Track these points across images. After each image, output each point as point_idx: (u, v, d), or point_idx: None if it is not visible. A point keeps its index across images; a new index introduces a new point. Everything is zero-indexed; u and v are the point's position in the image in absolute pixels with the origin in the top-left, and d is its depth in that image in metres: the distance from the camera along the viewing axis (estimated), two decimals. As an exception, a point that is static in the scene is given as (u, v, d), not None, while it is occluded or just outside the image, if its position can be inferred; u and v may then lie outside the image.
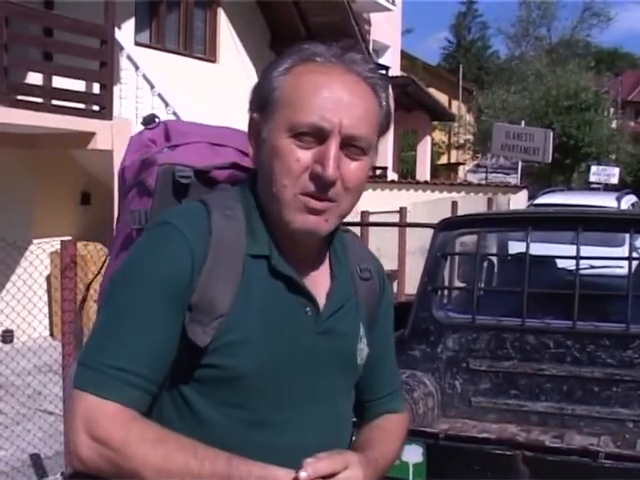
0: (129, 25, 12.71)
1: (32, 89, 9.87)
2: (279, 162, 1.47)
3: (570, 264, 5.02)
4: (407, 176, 26.71)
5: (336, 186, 1.48)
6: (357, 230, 10.57)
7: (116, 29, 10.66)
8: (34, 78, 10.29)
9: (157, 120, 1.86)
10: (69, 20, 9.89)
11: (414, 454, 2.78)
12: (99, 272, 1.89)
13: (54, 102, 9.82)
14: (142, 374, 1.42)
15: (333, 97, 1.47)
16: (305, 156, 1.46)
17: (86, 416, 1.38)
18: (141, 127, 1.93)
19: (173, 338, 1.45)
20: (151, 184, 1.69)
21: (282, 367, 1.51)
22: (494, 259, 5.73)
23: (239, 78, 14.34)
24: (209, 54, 14.81)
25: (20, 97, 9.31)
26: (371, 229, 10.77)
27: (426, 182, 18.88)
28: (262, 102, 1.53)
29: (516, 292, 4.62)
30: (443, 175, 33.44)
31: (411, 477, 2.79)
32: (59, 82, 10.18)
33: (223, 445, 1.40)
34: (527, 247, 4.59)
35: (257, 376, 1.48)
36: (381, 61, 26.84)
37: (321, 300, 1.58)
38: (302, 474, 1.34)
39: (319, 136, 1.46)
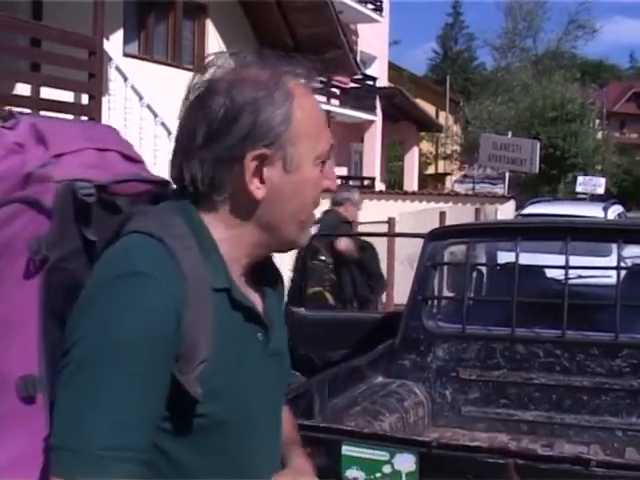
0: (117, 36, 12.74)
1: (20, 100, 9.86)
2: (312, 190, 1.48)
3: (559, 274, 5.04)
4: (394, 186, 26.79)
5: None
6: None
7: (104, 40, 10.66)
8: (22, 89, 10.29)
9: (16, 117, 1.62)
10: (57, 31, 9.89)
11: (407, 463, 2.78)
12: None
13: (42, 113, 9.81)
14: (133, 446, 1.28)
15: (325, 115, 1.56)
16: (322, 177, 1.52)
17: None
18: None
19: (163, 397, 1.33)
20: (49, 204, 1.46)
21: (254, 403, 1.46)
22: (483, 269, 5.75)
23: (227, 89, 14.37)
24: (197, 65, 14.84)
25: (8, 108, 9.31)
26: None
27: (414, 192, 18.95)
28: (273, 138, 1.43)
29: (505, 302, 4.64)
30: (430, 185, 33.56)
31: (404, 486, 2.80)
32: (47, 93, 10.18)
33: None
34: (516, 257, 4.61)
35: (238, 418, 1.42)
36: (368, 72, 26.93)
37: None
38: None
39: (328, 155, 1.52)
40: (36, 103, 10.00)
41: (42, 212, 1.46)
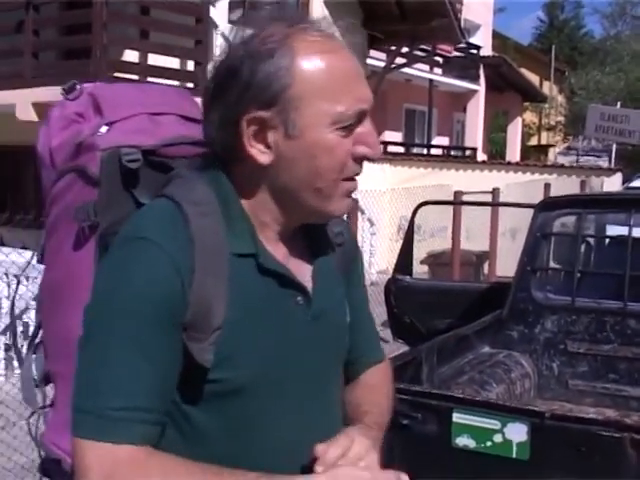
0: (223, 4, 12.81)
1: (129, 66, 10.05)
2: (328, 157, 1.37)
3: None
4: (496, 157, 26.40)
5: None
6: (450, 209, 10.49)
7: (211, 7, 10.76)
8: (131, 55, 10.48)
9: (78, 87, 1.66)
10: (166, -2, 10.04)
11: (518, 432, 2.75)
12: (32, 257, 1.73)
13: (149, 79, 9.98)
14: (145, 407, 1.29)
15: (355, 74, 1.40)
16: (349, 142, 1.39)
17: (100, 467, 1.25)
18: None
19: (174, 362, 1.33)
20: (94, 172, 1.51)
21: (284, 368, 1.42)
22: (592, 241, 5.62)
23: (331, 57, 14.33)
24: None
25: (117, 74, 9.49)
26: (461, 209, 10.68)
27: (517, 163, 18.63)
28: (269, 98, 1.34)
29: (616, 275, 4.53)
30: (533, 157, 32.95)
31: (515, 455, 2.77)
32: (155, 60, 10.34)
33: (229, 457, 1.35)
34: (630, 229, 4.49)
35: (261, 384, 1.39)
36: (472, 41, 26.51)
37: (308, 284, 1.48)
38: (318, 469, 1.32)
39: (359, 118, 1.39)
40: (144, 69, 10.18)
41: (88, 180, 1.52)
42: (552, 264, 5.45)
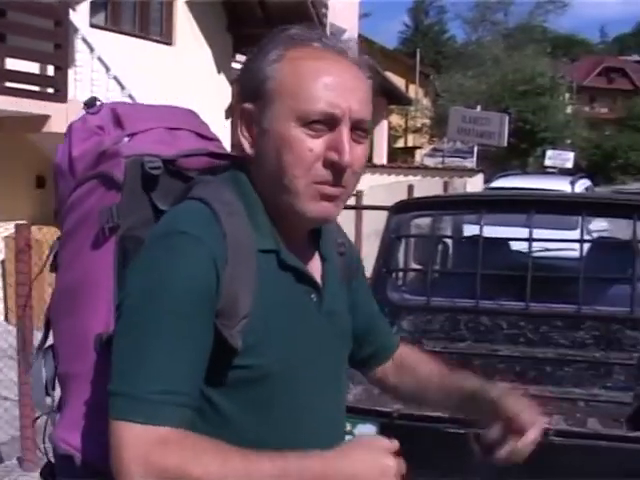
0: (84, 6, 12.55)
1: (-15, 71, 9.72)
2: (289, 153, 1.45)
3: (524, 247, 5.08)
4: (364, 160, 26.74)
5: (347, 171, 1.48)
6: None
7: (70, 10, 10.53)
8: (-13, 60, 10.14)
9: (98, 103, 1.76)
10: (22, 0, 9.75)
11: (368, 433, 2.80)
12: (44, 265, 1.79)
13: (7, 84, 9.69)
14: (184, 392, 1.37)
15: (337, 82, 1.47)
16: (317, 144, 1.45)
17: (136, 446, 1.31)
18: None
19: (207, 348, 1.41)
20: (119, 177, 1.60)
21: (304, 359, 1.52)
22: (449, 241, 5.77)
23: (195, 60, 14.26)
24: (165, 36, 14.68)
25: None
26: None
27: (383, 165, 18.96)
28: (255, 92, 1.48)
29: (470, 274, 4.66)
30: (400, 159, 33.55)
31: (365, 456, 2.81)
32: (12, 64, 10.04)
33: (252, 443, 1.39)
34: (480, 229, 4.63)
35: (284, 372, 1.48)
36: (338, 45, 26.77)
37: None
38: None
39: (329, 123, 1.46)
40: (1, 74, 9.86)
41: (113, 185, 1.61)
42: (413, 265, 5.58)
